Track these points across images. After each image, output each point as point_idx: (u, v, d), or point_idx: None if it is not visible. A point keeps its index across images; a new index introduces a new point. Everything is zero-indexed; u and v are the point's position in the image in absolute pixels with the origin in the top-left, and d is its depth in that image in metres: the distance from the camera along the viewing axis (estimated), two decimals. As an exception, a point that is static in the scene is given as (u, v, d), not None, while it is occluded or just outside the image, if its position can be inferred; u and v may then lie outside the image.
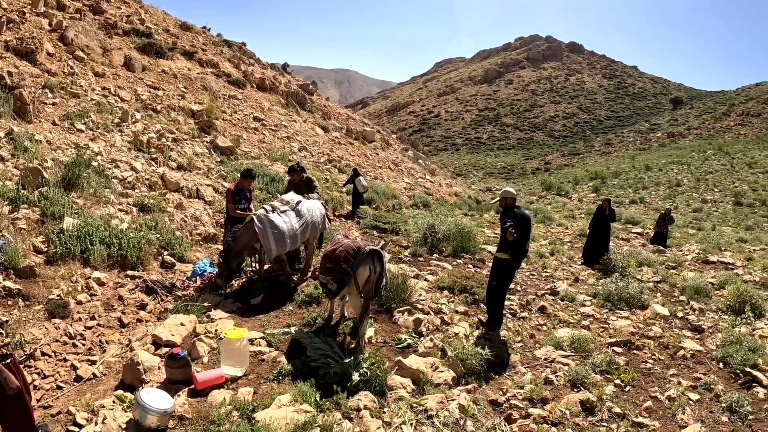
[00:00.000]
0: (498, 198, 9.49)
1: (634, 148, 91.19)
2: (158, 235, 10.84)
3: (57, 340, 7.48)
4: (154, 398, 5.60)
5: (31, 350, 7.06)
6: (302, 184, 11.68)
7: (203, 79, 25.31)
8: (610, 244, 17.71)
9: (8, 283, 7.92)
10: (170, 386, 6.30)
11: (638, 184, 53.18)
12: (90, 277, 8.94)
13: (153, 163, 14.41)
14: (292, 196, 10.24)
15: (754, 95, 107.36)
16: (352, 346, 7.20)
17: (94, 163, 12.30)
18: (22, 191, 9.90)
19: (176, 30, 32.26)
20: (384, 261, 7.29)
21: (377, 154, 32.82)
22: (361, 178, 18.79)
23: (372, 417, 5.74)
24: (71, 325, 7.81)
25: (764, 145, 70.10)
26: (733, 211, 40.87)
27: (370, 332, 8.08)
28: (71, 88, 15.98)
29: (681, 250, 21.35)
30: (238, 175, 14.11)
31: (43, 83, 15.22)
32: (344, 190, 20.26)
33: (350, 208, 18.60)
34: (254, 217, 9.35)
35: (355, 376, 6.41)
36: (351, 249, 7.22)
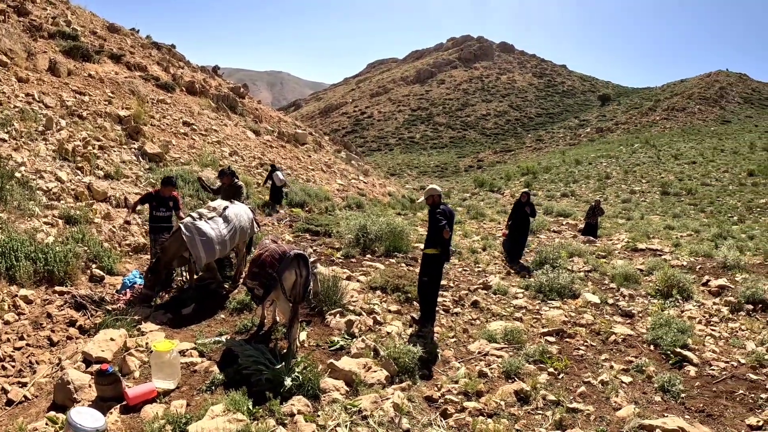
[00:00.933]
0: (425, 196, 9.58)
1: (564, 144, 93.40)
2: (86, 248, 10.51)
3: (-17, 364, 7.24)
4: (85, 417, 5.47)
5: (-42, 377, 6.81)
6: (231, 189, 11.52)
7: (131, 83, 24.74)
8: (528, 239, 17.53)
9: (-70, 306, 7.64)
10: (102, 404, 6.15)
11: (569, 178, 54.35)
12: (17, 295, 8.61)
13: (79, 172, 14.03)
14: (218, 203, 10.09)
15: (678, 91, 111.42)
16: (285, 351, 7.16)
17: (18, 175, 11.87)
18: (-59, 207, 9.55)
19: (104, 32, 31.50)
20: (309, 265, 7.27)
21: (309, 156, 32.68)
22: (278, 172, 19.29)
23: (306, 421, 5.71)
24: None
25: (689, 138, 72.70)
26: (660, 201, 42.12)
27: (302, 336, 8.05)
28: (-7, 95, 15.47)
29: (611, 240, 21.89)
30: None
31: (-38, 90, 14.70)
32: (266, 186, 20.51)
33: (282, 212, 18.59)
34: (181, 225, 9.15)
35: (288, 382, 6.35)
36: (276, 254, 7.18)
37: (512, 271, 14.46)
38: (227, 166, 14.15)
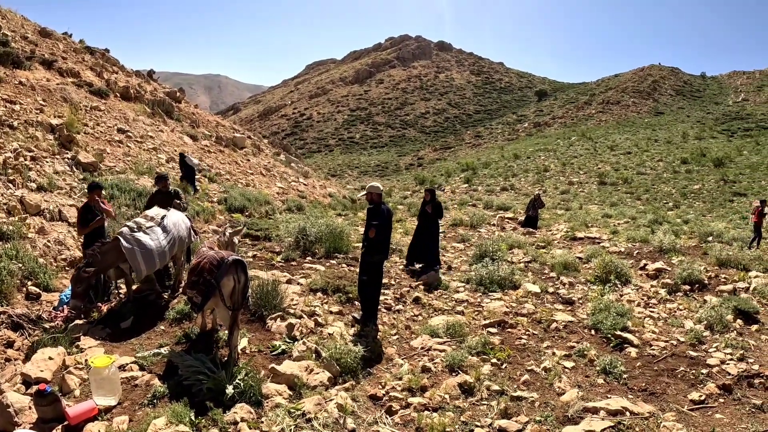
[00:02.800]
0: (364, 193, 9.62)
1: (502, 139, 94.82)
2: (20, 265, 10.14)
3: None
4: None
5: None
6: (169, 195, 11.30)
7: (63, 89, 24.10)
8: (440, 243, 16.00)
9: None
10: (43, 425, 6.01)
11: (508, 172, 55.20)
12: (-51, 318, 8.39)
13: (11, 185, 13.62)
14: (156, 211, 9.88)
15: (613, 85, 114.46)
16: (226, 359, 7.10)
17: (-55, 191, 11.54)
18: None
19: (35, 37, 30.65)
20: (248, 270, 7.23)
21: (248, 160, 32.42)
22: (187, 158, 20.49)
23: (250, 428, 5.69)
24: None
25: (624, 130, 74.75)
26: (598, 191, 43.19)
27: (243, 342, 7.97)
28: None
29: (550, 230, 22.30)
30: (103, 192, 13.62)
31: None
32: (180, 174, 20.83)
33: (222, 217, 18.45)
34: (120, 236, 8.95)
35: (230, 389, 6.30)
36: (215, 260, 7.09)
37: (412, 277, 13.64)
38: (164, 172, 13.91)
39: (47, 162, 15.91)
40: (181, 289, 10.36)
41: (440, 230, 15.84)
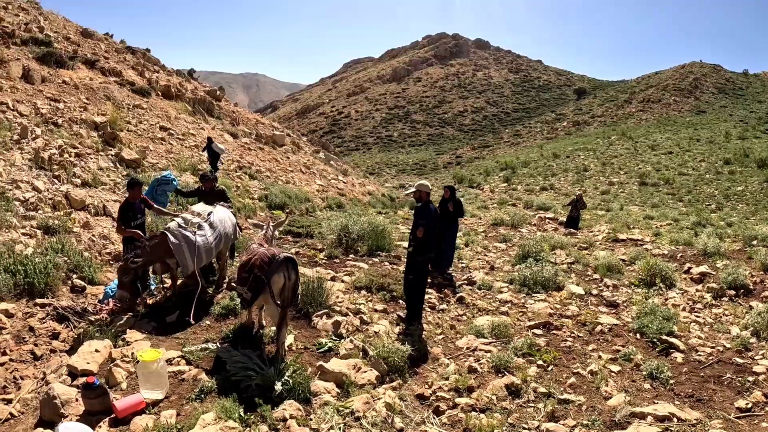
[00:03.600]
0: (413, 190, 9.53)
1: (541, 138, 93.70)
2: (66, 258, 10.30)
3: (-34, 386, 7.09)
4: None
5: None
6: (214, 194, 11.29)
7: (106, 88, 24.52)
8: (457, 243, 14.84)
9: None
10: (90, 418, 6.04)
11: (547, 172, 54.62)
12: (-4, 310, 8.50)
13: (56, 181, 13.84)
14: (202, 207, 9.91)
15: (653, 83, 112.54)
16: (273, 355, 7.09)
17: (-7, 185, 11.74)
18: None
19: (77, 37, 31.24)
20: (298, 268, 7.19)
21: (288, 158, 32.58)
22: (214, 144, 21.20)
23: (299, 425, 5.63)
24: (-20, 369, 7.42)
25: (665, 129, 73.40)
26: (638, 191, 42.52)
27: (289, 339, 7.95)
28: (-34, 105, 15.26)
29: (591, 231, 21.99)
30: (146, 188, 13.74)
31: (-68, 100, 14.48)
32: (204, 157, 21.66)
33: (262, 214, 18.53)
34: (168, 232, 8.99)
35: (278, 386, 6.27)
36: (266, 257, 7.06)
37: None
38: (209, 170, 13.98)
39: (91, 158, 16.14)
40: (225, 285, 10.42)
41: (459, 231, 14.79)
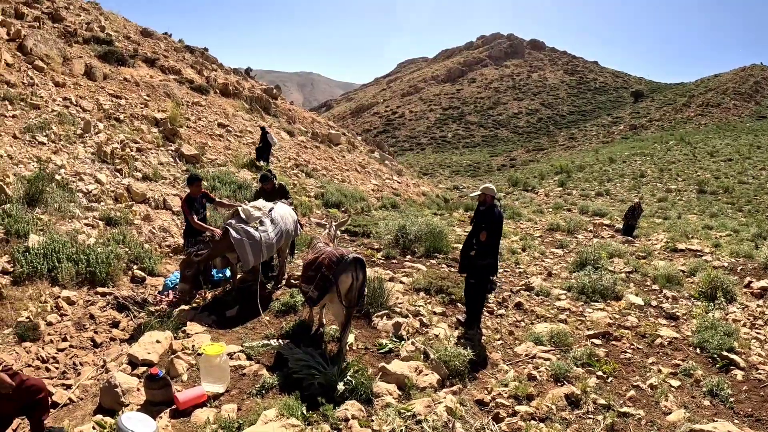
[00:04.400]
0: (478, 193, 9.42)
1: (597, 142, 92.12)
2: (127, 249, 10.58)
3: (29, 365, 7.22)
4: (136, 422, 5.41)
5: (2, 377, 6.81)
6: (275, 193, 11.32)
7: (166, 86, 25.01)
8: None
9: (-27, 307, 7.68)
10: (151, 408, 6.10)
11: (603, 177, 53.65)
12: (59, 297, 8.66)
13: (118, 174, 14.13)
14: (263, 203, 9.98)
15: (712, 86, 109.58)
16: (334, 354, 7.08)
17: (58, 177, 11.99)
18: (-17, 210, 9.61)
19: (137, 37, 31.99)
20: (366, 269, 7.17)
21: (344, 156, 32.69)
22: (269, 134, 21.49)
23: (361, 426, 5.61)
24: (43, 348, 7.56)
25: (724, 134, 71.49)
26: (697, 200, 41.48)
27: (350, 339, 7.95)
28: (31, 100, 15.65)
29: (649, 240, 21.52)
30: (205, 183, 13.90)
31: (2, 95, 14.88)
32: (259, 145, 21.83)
33: (318, 212, 18.60)
34: (230, 228, 9.07)
35: (340, 386, 6.26)
36: (334, 257, 7.05)
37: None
38: (268, 169, 14.05)
39: (152, 153, 16.46)
40: (284, 281, 10.49)
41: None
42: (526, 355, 8.52)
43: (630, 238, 21.26)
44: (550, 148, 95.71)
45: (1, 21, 19.88)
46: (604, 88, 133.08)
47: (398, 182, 32.81)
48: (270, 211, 9.66)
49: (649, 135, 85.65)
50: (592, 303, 11.68)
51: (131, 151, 15.79)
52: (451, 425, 5.84)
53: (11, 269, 8.68)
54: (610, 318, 10.64)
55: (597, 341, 9.38)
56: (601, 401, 7.02)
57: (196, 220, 9.59)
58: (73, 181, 12.41)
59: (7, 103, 14.69)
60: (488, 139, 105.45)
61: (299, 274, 10.52)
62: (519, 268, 14.52)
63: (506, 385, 7.28)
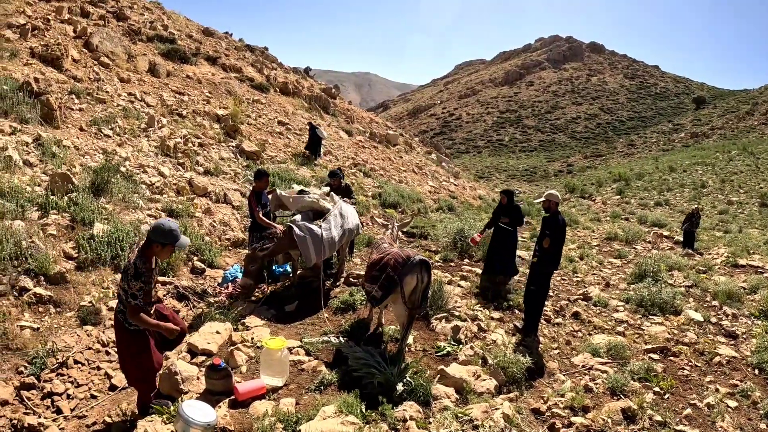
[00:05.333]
0: (542, 199, 9.39)
1: (657, 149, 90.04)
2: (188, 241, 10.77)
3: (89, 348, 7.46)
4: (197, 411, 5.51)
5: (64, 358, 7.02)
6: (340, 190, 11.43)
7: (227, 83, 25.47)
8: (518, 257, 13.18)
9: (39, 290, 7.94)
10: (210, 397, 6.20)
11: (662, 186, 52.47)
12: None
13: (180, 168, 14.43)
14: (331, 193, 10.15)
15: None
16: (393, 354, 7.11)
17: (123, 169, 12.32)
18: (52, 197, 9.94)
19: (199, 35, 32.61)
20: (431, 272, 7.17)
21: (401, 157, 32.71)
22: (318, 129, 22.13)
23: (418, 428, 5.61)
24: (103, 332, 7.79)
25: (789, 145, 69.15)
26: (759, 213, 40.25)
27: (409, 340, 7.97)
28: (97, 94, 16.14)
29: (709, 254, 20.99)
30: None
31: (69, 89, 15.38)
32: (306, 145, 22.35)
33: (374, 212, 18.61)
34: (294, 225, 9.19)
35: (400, 387, 6.31)
36: (400, 257, 7.09)
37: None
38: (338, 167, 14.14)
39: (213, 148, 16.75)
40: (342, 279, 10.57)
41: (518, 239, 12.83)
42: (583, 366, 8.42)
43: (690, 251, 20.74)
44: (608, 154, 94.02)
45: (68, 19, 20.57)
46: (665, 93, 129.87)
47: (455, 185, 32.64)
48: (334, 209, 9.80)
49: (711, 144, 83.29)
50: (651, 316, 11.42)
51: (193, 145, 16.12)
52: (507, 432, 5.81)
53: (76, 255, 8.97)
54: (669, 333, 10.37)
55: (655, 356, 9.18)
56: (657, 418, 6.89)
57: (260, 215, 9.71)
58: (137, 173, 12.72)
59: (74, 96, 15.17)
60: (545, 144, 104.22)
61: (357, 272, 10.60)
62: (576, 276, 14.33)
63: (562, 396, 7.21)
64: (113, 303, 8.36)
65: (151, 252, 5.55)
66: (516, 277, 12.06)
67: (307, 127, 23.14)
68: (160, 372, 6.40)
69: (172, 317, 6.07)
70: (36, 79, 14.10)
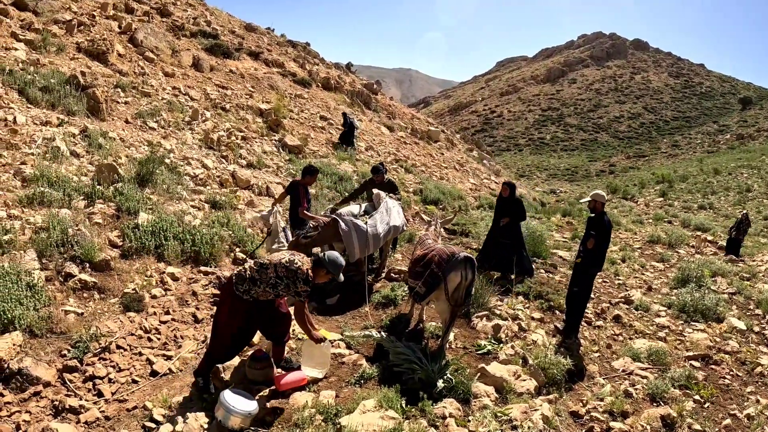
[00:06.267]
0: (588, 199, 9.29)
1: (701, 151, 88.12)
2: (230, 232, 10.96)
3: (132, 334, 7.59)
4: (238, 399, 5.61)
5: (107, 343, 7.16)
6: (384, 186, 11.43)
7: (270, 78, 25.73)
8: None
9: (84, 276, 8.09)
10: (250, 386, 6.30)
11: (707, 189, 51.43)
12: (164, 272, 9.10)
13: (223, 160, 14.62)
14: (381, 195, 10.22)
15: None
16: (433, 351, 7.12)
17: (167, 160, 12.53)
18: (98, 187, 10.15)
19: (241, 31, 32.96)
20: (476, 269, 7.15)
21: (442, 154, 32.66)
22: (352, 118, 22.77)
23: (457, 425, 5.65)
24: (146, 319, 7.92)
25: (838, 148, 67.46)
26: (806, 220, 39.30)
27: (450, 337, 7.96)
28: (142, 88, 16.45)
29: (754, 260, 20.55)
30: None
31: (114, 83, 15.70)
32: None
33: (416, 209, 18.58)
34: (339, 218, 9.27)
35: (440, 383, 6.35)
36: (444, 254, 7.13)
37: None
38: (380, 162, 14.14)
39: (256, 142, 16.93)
40: (384, 274, 10.60)
41: (522, 234, 12.39)
42: (623, 371, 8.34)
43: (734, 257, 20.30)
44: (651, 155, 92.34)
45: (113, 15, 20.99)
46: (711, 93, 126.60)
47: (496, 183, 32.39)
48: (379, 205, 9.90)
49: (757, 146, 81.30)
50: (693, 323, 11.21)
51: (236, 139, 16.31)
52: (546, 434, 5.79)
53: (120, 243, 9.15)
54: (711, 340, 10.18)
55: (696, 363, 9.03)
56: (697, 427, 6.82)
57: (305, 209, 9.88)
58: (181, 165, 12.91)
59: (119, 90, 15.48)
60: (587, 143, 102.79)
61: (399, 268, 10.62)
62: (618, 279, 14.14)
63: (602, 400, 7.16)
64: (156, 291, 8.58)
65: (317, 272, 6.37)
66: (557, 278, 11.98)
67: (342, 116, 23.39)
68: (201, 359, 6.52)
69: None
70: (82, 73, 14.41)
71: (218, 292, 9.12)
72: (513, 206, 11.81)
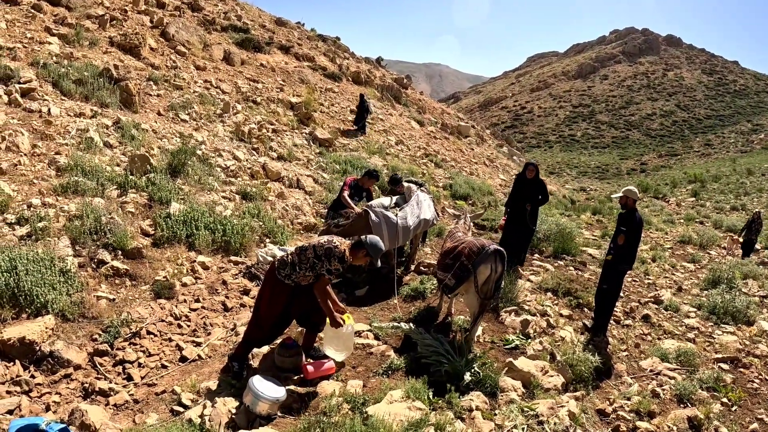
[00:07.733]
0: (619, 195, 9.22)
1: (735, 150, 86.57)
2: (260, 223, 11.14)
3: (162, 320, 7.78)
4: (267, 386, 5.68)
5: (137, 328, 7.33)
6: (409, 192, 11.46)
7: (300, 72, 25.89)
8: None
9: (116, 263, 8.30)
10: (279, 374, 6.39)
11: (740, 190, 50.64)
12: (195, 261, 9.30)
13: (254, 152, 14.74)
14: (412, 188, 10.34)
15: None
16: (461, 344, 7.11)
17: (198, 152, 12.71)
18: (130, 177, 10.39)
19: (272, 25, 33.23)
20: (506, 262, 7.17)
21: (472, 149, 32.60)
22: (368, 102, 23.07)
23: (483, 419, 5.67)
24: (176, 306, 8.10)
25: None
26: (840, 222, 38.57)
27: (477, 331, 7.97)
28: (174, 81, 16.69)
29: (787, 263, 20.23)
30: (337, 166, 14.29)
31: (147, 76, 15.94)
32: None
33: (446, 203, 18.57)
34: (370, 210, 9.35)
35: (467, 376, 6.38)
36: (474, 247, 7.14)
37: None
38: (394, 173, 14.11)
39: (287, 135, 17.06)
40: (413, 267, 10.65)
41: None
42: (651, 371, 8.25)
43: (747, 258, 19.81)
44: (684, 154, 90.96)
45: (145, 10, 21.31)
46: (745, 91, 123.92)
47: (526, 179, 32.31)
48: (410, 198, 10.06)
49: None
50: (723, 325, 11.05)
51: (267, 131, 16.45)
52: (572, 431, 5.77)
53: (152, 232, 9.39)
54: (740, 343, 10.02)
55: (725, 366, 8.89)
56: (723, 429, 6.73)
57: (346, 195, 10.20)
58: (213, 157, 13.08)
59: (152, 83, 15.71)
60: (618, 141, 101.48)
61: (428, 261, 10.67)
62: (648, 279, 14.01)
63: (629, 399, 7.10)
64: (187, 279, 8.77)
65: (356, 253, 6.44)
66: (586, 276, 11.93)
67: (359, 97, 23.61)
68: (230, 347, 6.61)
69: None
70: (115, 66, 14.69)
71: (246, 281, 9.25)
72: (537, 188, 11.63)
